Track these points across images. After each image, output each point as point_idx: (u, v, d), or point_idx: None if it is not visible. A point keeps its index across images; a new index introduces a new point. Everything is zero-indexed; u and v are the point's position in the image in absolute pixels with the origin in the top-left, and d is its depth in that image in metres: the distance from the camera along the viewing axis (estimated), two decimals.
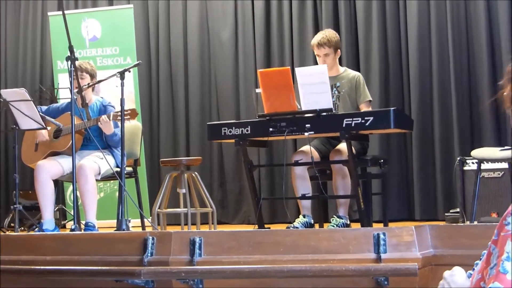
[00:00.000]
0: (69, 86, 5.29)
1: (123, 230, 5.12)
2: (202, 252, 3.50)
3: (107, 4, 9.03)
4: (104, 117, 5.52)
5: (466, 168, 6.13)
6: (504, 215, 1.89)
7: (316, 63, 5.86)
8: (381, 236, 3.28)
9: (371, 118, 4.95)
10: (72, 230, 5.09)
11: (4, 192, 9.20)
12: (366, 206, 5.31)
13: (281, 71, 5.26)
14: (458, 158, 6.17)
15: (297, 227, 5.40)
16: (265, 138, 5.38)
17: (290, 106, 5.16)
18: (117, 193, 6.82)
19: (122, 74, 5.31)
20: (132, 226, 5.89)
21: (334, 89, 5.63)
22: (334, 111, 5.14)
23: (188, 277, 3.37)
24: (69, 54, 5.19)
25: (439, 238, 3.37)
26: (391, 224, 5.55)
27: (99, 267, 3.56)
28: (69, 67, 5.20)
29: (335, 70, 5.75)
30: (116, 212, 5.65)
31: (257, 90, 5.35)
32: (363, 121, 4.95)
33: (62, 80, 8.14)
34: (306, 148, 5.59)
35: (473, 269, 2.06)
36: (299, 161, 5.50)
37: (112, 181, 7.53)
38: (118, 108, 5.48)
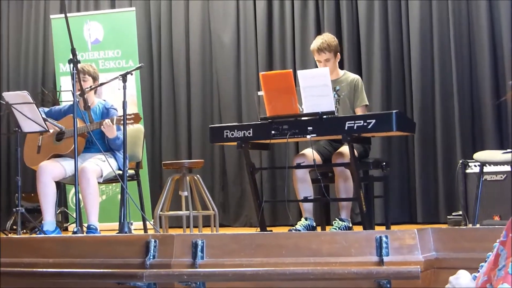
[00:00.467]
0: (71, 89, 5.29)
1: (125, 232, 5.12)
2: (204, 255, 3.50)
3: (109, 7, 9.03)
4: (107, 121, 5.53)
5: (468, 171, 6.13)
6: None
7: (317, 67, 5.86)
8: (384, 239, 3.27)
9: (373, 121, 4.95)
10: (74, 232, 5.10)
11: (6, 194, 9.20)
12: (368, 209, 5.31)
13: (283, 74, 5.26)
14: (460, 161, 6.16)
15: (299, 230, 5.40)
16: (267, 141, 5.38)
17: (292, 108, 5.16)
18: (119, 196, 6.81)
19: (124, 77, 5.31)
20: (134, 229, 5.90)
21: (334, 92, 5.63)
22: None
23: (190, 279, 3.37)
24: (71, 56, 5.20)
25: (442, 241, 3.36)
26: (393, 227, 5.55)
27: (101, 270, 3.56)
28: (72, 69, 5.21)
29: (335, 73, 5.75)
30: (118, 215, 5.64)
31: (259, 93, 5.35)
32: (365, 123, 4.95)
33: (64, 83, 8.14)
34: (308, 151, 5.59)
35: (478, 271, 2.05)
36: (301, 164, 5.49)
37: (114, 184, 7.53)
38: (120, 111, 5.48)
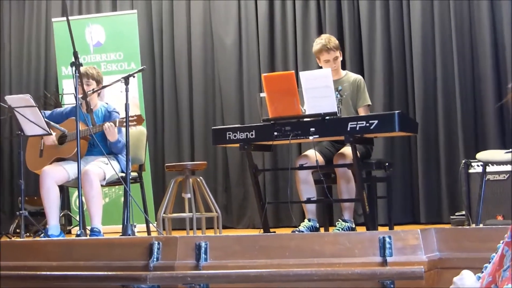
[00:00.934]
0: (74, 92, 5.30)
1: (129, 235, 5.12)
2: (207, 257, 3.50)
3: (111, 9, 9.04)
4: (108, 124, 5.53)
5: (471, 171, 6.12)
6: None
7: (320, 67, 5.86)
8: (387, 239, 3.27)
9: (376, 122, 4.95)
10: (77, 235, 5.11)
11: (9, 198, 9.21)
12: (371, 209, 5.31)
13: (286, 75, 5.27)
14: (463, 161, 6.16)
15: (302, 231, 5.40)
16: (270, 142, 5.38)
17: (295, 110, 5.16)
18: (122, 199, 6.82)
19: (126, 80, 5.31)
20: (138, 231, 5.90)
21: (337, 92, 5.63)
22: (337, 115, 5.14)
23: (194, 281, 3.37)
24: (73, 59, 5.20)
25: (445, 241, 3.36)
26: (396, 228, 5.56)
27: (105, 273, 3.56)
28: (74, 72, 5.21)
29: (337, 73, 5.76)
30: (121, 218, 5.65)
31: (262, 95, 5.36)
32: (367, 124, 4.95)
33: (67, 86, 8.15)
34: (310, 152, 5.59)
35: (482, 272, 2.05)
36: (304, 165, 5.50)
37: (117, 187, 7.54)
38: (122, 113, 5.49)
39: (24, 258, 3.94)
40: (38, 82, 9.27)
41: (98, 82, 5.91)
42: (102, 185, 5.68)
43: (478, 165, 6.02)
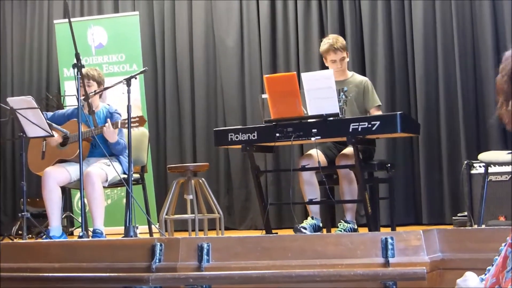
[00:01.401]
0: (76, 94, 5.30)
1: (131, 236, 5.12)
2: (210, 258, 3.51)
3: (112, 11, 9.05)
4: (107, 125, 5.52)
5: (473, 171, 6.12)
6: None
7: (322, 68, 5.86)
8: (389, 240, 3.27)
9: (378, 123, 4.95)
10: (80, 237, 5.10)
11: (11, 199, 9.21)
12: (373, 210, 5.31)
13: (287, 77, 5.27)
14: (465, 162, 6.15)
15: (305, 228, 5.39)
16: (272, 144, 5.38)
17: (297, 111, 5.16)
18: (124, 200, 6.83)
19: (128, 81, 5.32)
20: (140, 233, 5.89)
21: (342, 93, 5.62)
22: (341, 116, 5.13)
23: (196, 283, 3.37)
24: (75, 61, 5.21)
25: (447, 242, 3.36)
26: (398, 229, 5.55)
27: (107, 274, 3.56)
28: (76, 74, 5.22)
29: (343, 74, 5.76)
30: (123, 219, 5.65)
31: (263, 96, 5.35)
32: (369, 125, 4.95)
33: (69, 88, 8.15)
34: (313, 152, 5.58)
35: (485, 274, 2.05)
36: (306, 166, 5.49)
37: (119, 188, 7.53)
38: (124, 115, 5.49)
39: (26, 259, 3.95)
40: (40, 84, 9.28)
41: (99, 83, 5.91)
42: (104, 187, 5.68)
43: (480, 166, 6.01)
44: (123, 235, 5.34)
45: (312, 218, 5.55)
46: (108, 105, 6.05)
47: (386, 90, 7.65)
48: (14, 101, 5.62)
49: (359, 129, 4.98)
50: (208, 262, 3.49)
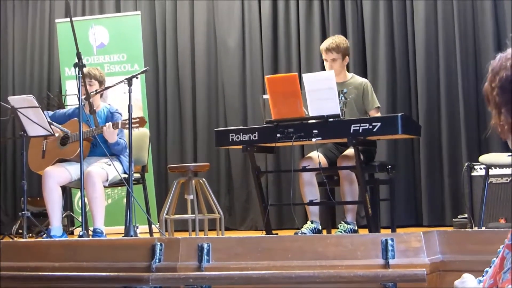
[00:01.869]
0: (77, 93, 5.30)
1: (131, 236, 5.12)
2: (210, 258, 3.51)
3: (114, 11, 9.05)
4: (107, 125, 5.52)
5: (474, 173, 6.11)
6: None
7: (323, 68, 5.86)
8: (389, 242, 3.27)
9: (379, 124, 4.95)
10: (80, 236, 5.11)
11: (12, 199, 9.22)
12: (374, 212, 5.31)
13: (289, 77, 5.27)
14: (466, 164, 6.15)
15: (305, 233, 5.40)
16: (273, 144, 5.38)
17: (298, 112, 5.16)
18: (124, 200, 6.82)
19: (129, 81, 5.32)
20: (140, 233, 5.89)
21: (341, 95, 5.63)
22: (341, 117, 5.13)
23: (196, 283, 3.37)
24: (77, 60, 5.21)
25: (447, 244, 3.36)
26: (398, 230, 5.54)
27: (107, 273, 3.57)
28: (77, 73, 5.22)
29: (342, 76, 5.75)
30: (124, 219, 5.65)
31: (265, 96, 5.35)
32: (370, 126, 4.95)
33: (70, 87, 8.15)
34: (313, 154, 5.59)
35: (483, 276, 2.05)
36: (307, 167, 5.49)
37: (119, 188, 7.53)
38: (125, 115, 5.49)
39: (27, 259, 3.95)
40: (41, 83, 9.28)
41: (101, 83, 5.91)
42: (104, 186, 5.68)
43: (481, 168, 6.01)
44: (123, 235, 5.34)
45: (312, 222, 5.54)
46: (109, 104, 6.05)
47: (387, 91, 7.65)
48: (15, 100, 5.63)
49: (360, 130, 4.97)
50: (208, 262, 3.50)
